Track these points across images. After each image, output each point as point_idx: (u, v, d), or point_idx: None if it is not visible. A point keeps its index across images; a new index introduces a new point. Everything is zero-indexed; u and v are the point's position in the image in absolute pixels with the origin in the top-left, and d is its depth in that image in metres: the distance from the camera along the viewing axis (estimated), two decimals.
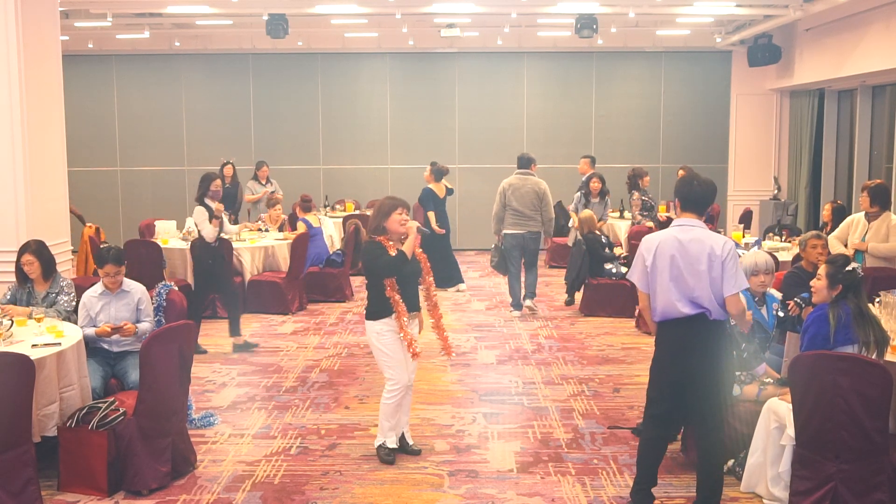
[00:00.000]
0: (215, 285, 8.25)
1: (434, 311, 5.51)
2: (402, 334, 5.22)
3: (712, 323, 4.37)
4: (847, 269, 4.68)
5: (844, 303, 4.62)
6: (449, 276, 11.08)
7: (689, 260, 4.33)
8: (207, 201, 7.91)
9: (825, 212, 8.69)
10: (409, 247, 5.20)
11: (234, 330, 8.25)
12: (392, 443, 5.43)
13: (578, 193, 11.34)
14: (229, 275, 8.52)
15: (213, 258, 8.03)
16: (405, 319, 5.23)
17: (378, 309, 5.23)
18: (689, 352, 4.39)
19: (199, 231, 8.00)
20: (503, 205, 9.47)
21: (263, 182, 12.41)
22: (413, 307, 5.34)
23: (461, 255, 14.26)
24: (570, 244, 11.29)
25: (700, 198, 4.47)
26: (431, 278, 5.47)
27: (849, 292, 4.63)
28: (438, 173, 11.11)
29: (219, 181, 8.04)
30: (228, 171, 12.26)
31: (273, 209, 10.99)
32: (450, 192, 11.35)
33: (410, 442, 5.56)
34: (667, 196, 13.37)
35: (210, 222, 7.86)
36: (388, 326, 5.24)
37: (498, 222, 9.54)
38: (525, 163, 9.67)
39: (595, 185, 11.18)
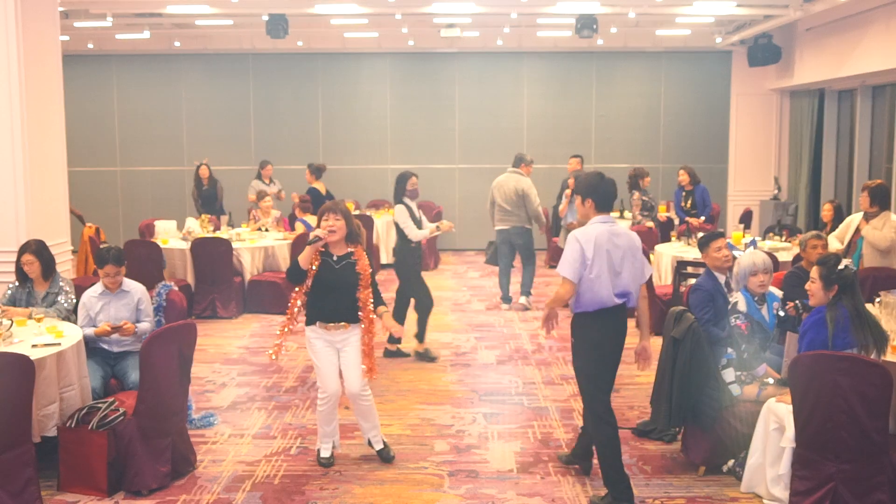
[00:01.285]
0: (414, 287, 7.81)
1: (367, 328, 5.17)
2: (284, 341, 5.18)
3: (628, 309, 4.73)
4: (839, 267, 4.65)
5: (841, 304, 4.60)
6: None
7: (621, 253, 4.64)
8: (406, 200, 7.60)
9: (826, 211, 8.68)
10: (302, 256, 5.02)
11: (421, 335, 7.81)
12: (325, 451, 5.37)
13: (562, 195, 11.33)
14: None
15: (416, 259, 7.76)
16: (288, 327, 5.15)
17: (307, 314, 5.16)
18: (621, 336, 4.74)
19: (402, 231, 7.61)
20: (491, 201, 10.03)
21: (267, 182, 12.41)
22: (342, 317, 5.10)
23: (461, 255, 14.27)
24: (561, 246, 11.29)
25: (613, 196, 4.79)
26: (368, 291, 5.13)
27: (845, 293, 4.60)
28: (318, 171, 11.54)
29: (415, 179, 7.61)
30: (204, 171, 12.19)
31: (262, 202, 11.00)
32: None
33: (378, 447, 5.39)
34: (667, 196, 13.38)
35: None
36: (315, 334, 5.14)
37: (491, 217, 10.11)
38: (516, 162, 10.12)
39: (573, 184, 11.10)
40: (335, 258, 5.12)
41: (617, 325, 4.70)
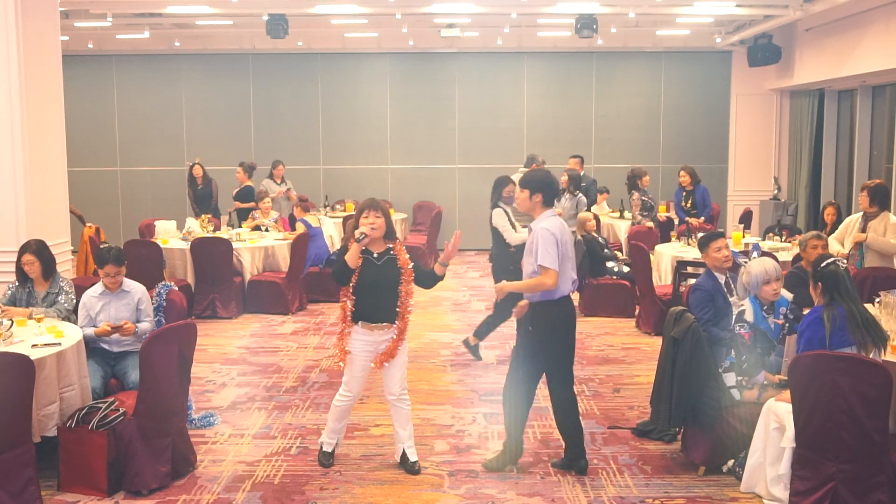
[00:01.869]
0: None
1: (399, 323, 5.12)
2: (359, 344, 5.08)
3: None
4: (823, 265, 4.65)
5: (837, 303, 4.59)
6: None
7: (570, 245, 5.13)
8: (502, 205, 7.57)
9: (829, 215, 8.69)
10: (349, 255, 4.95)
11: (481, 332, 7.80)
12: (328, 447, 5.35)
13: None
14: None
15: (514, 263, 7.58)
16: (347, 331, 5.06)
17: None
18: (574, 320, 5.22)
19: (500, 235, 7.58)
20: None
21: (279, 181, 12.45)
22: (385, 317, 5.06)
23: (461, 255, 14.26)
24: None
25: (557, 194, 5.27)
26: (410, 287, 5.10)
27: (834, 290, 4.58)
28: (250, 169, 11.84)
29: (512, 186, 7.53)
30: (198, 171, 12.18)
31: (262, 202, 11.02)
32: None
33: (412, 459, 5.27)
34: (667, 196, 13.38)
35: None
36: (356, 335, 5.09)
37: None
38: (527, 162, 10.15)
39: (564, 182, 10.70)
40: (375, 255, 5.06)
41: (572, 309, 5.16)
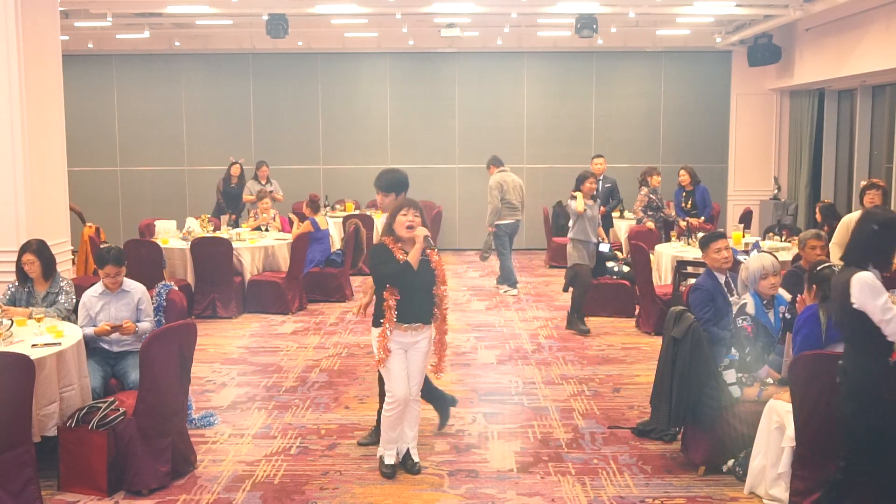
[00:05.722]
0: None
1: (440, 325, 5.16)
2: (398, 343, 5.01)
3: None
4: (818, 269, 4.81)
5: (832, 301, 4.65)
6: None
7: None
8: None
9: (817, 214, 8.74)
10: (413, 256, 4.89)
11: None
12: (389, 458, 5.22)
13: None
14: None
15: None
16: (389, 330, 4.96)
17: (379, 314, 5.03)
18: None
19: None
20: (502, 199, 10.52)
21: (263, 182, 12.43)
22: (419, 318, 5.03)
23: (461, 255, 14.27)
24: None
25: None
26: (445, 288, 5.14)
27: (828, 291, 4.64)
28: None
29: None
30: (236, 170, 12.30)
31: (261, 203, 11.04)
32: None
33: (415, 459, 5.25)
34: (667, 196, 13.34)
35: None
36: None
37: (497, 215, 10.61)
38: (498, 161, 10.81)
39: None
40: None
41: None
